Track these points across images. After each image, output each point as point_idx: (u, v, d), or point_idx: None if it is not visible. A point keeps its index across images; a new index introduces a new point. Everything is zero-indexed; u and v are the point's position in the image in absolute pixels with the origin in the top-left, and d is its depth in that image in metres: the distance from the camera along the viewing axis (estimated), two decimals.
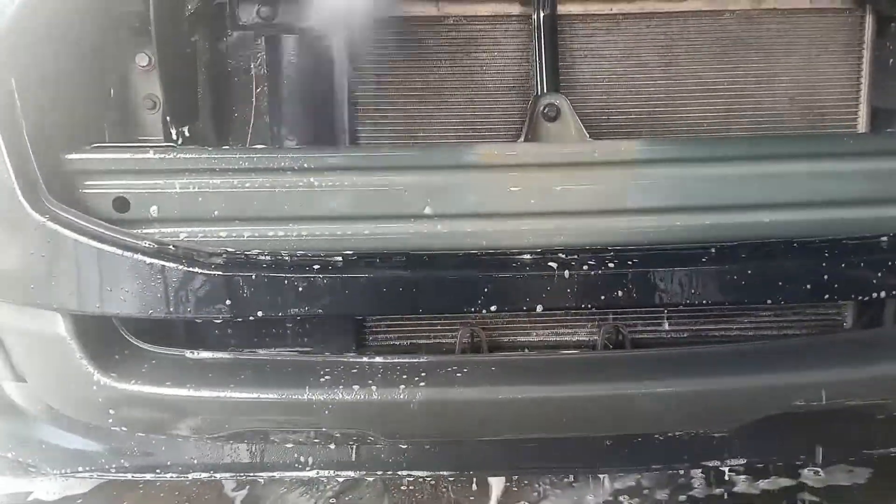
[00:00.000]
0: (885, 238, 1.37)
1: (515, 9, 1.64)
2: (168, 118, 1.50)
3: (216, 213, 1.39)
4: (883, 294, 1.34)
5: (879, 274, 1.34)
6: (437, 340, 1.73)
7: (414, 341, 1.74)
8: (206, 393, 1.41)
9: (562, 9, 1.62)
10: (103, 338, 1.43)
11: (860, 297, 1.45)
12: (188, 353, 1.47)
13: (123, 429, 1.50)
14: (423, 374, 1.38)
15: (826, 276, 1.34)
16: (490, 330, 1.72)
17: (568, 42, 1.65)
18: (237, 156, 1.39)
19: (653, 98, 1.66)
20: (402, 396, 1.37)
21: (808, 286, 1.34)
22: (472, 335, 1.67)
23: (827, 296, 1.33)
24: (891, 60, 1.63)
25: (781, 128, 1.67)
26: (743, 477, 1.72)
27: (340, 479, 1.80)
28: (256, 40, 1.61)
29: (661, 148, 1.44)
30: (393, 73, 1.66)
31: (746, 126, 1.67)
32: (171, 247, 1.35)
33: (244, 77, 1.63)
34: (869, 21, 1.66)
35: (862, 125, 1.67)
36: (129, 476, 1.77)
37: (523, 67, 1.65)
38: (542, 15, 1.57)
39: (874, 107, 1.66)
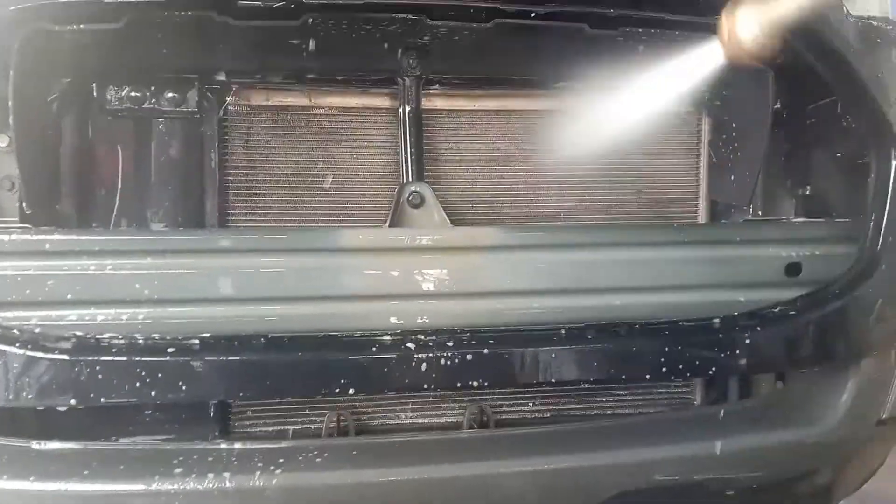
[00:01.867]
0: (717, 320, 1.49)
1: (384, 102, 1.72)
2: (26, 200, 1.47)
3: (69, 296, 1.35)
4: (718, 371, 1.44)
5: (713, 352, 1.44)
6: (306, 426, 1.72)
7: (282, 428, 1.71)
8: (50, 486, 1.34)
9: (428, 104, 1.71)
10: None
11: (696, 375, 1.56)
12: (34, 444, 1.39)
13: None
14: (280, 460, 1.36)
15: (665, 356, 1.42)
16: (359, 414, 1.72)
17: (435, 134, 1.74)
18: (92, 238, 1.38)
19: (513, 188, 1.76)
20: (258, 483, 1.33)
21: (650, 364, 1.42)
22: (339, 419, 1.66)
23: (666, 373, 1.42)
24: (723, 158, 1.80)
25: (631, 217, 1.80)
26: None
27: None
28: (124, 123, 1.62)
29: (516, 235, 1.52)
30: (265, 159, 1.70)
31: (599, 216, 1.79)
32: (15, 331, 1.30)
33: (111, 159, 1.62)
34: (705, 123, 1.84)
35: (702, 216, 1.82)
36: None
37: (392, 157, 1.72)
38: (407, 109, 1.66)
39: (712, 200, 1.83)
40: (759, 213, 1.81)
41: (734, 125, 1.78)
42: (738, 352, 1.44)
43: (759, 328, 1.46)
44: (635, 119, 1.81)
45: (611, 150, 1.80)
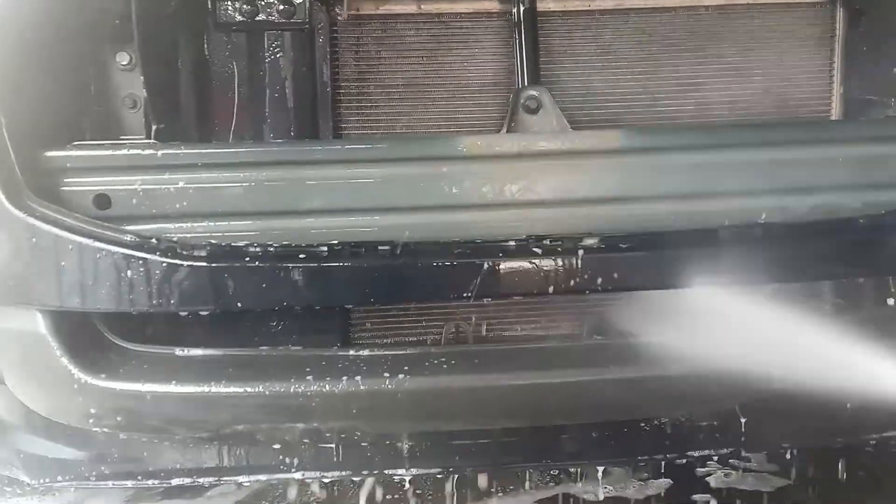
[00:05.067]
0: (862, 219, 1.39)
1: (495, 6, 1.66)
2: (149, 116, 1.50)
3: (199, 208, 1.38)
4: (863, 272, 1.36)
5: (859, 252, 1.36)
6: (423, 338, 1.73)
7: (399, 339, 1.74)
8: (194, 389, 1.39)
9: (541, 6, 1.64)
10: (84, 336, 1.40)
11: (840, 277, 1.47)
12: (178, 351, 1.45)
13: (105, 431, 1.47)
14: (407, 366, 1.37)
15: (807, 257, 1.36)
16: (476, 326, 1.72)
17: (547, 38, 1.67)
18: (218, 151, 1.40)
19: (631, 91, 1.68)
20: (387, 387, 1.36)
21: (790, 266, 1.36)
22: (458, 329, 1.67)
23: (808, 276, 1.35)
24: (862, 52, 1.67)
25: (757, 119, 1.70)
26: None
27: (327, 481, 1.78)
28: (238, 38, 1.61)
29: (643, 137, 1.45)
30: (375, 70, 1.67)
31: (722, 118, 1.69)
32: (152, 240, 1.34)
33: (226, 74, 1.63)
34: (840, 14, 1.70)
35: (835, 114, 1.70)
36: (110, 484, 1.73)
37: (503, 63, 1.66)
38: (521, 10, 1.60)
39: (847, 97, 1.70)
40: None
41: (873, 14, 1.64)
42: (884, 251, 1.35)
43: None
44: (761, 11, 1.71)
45: (735, 46, 1.70)
